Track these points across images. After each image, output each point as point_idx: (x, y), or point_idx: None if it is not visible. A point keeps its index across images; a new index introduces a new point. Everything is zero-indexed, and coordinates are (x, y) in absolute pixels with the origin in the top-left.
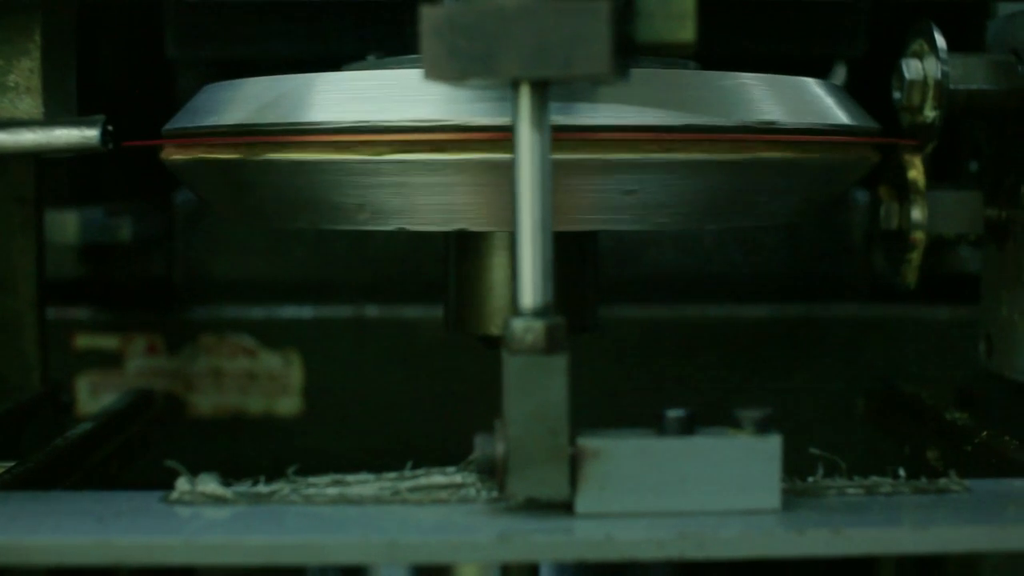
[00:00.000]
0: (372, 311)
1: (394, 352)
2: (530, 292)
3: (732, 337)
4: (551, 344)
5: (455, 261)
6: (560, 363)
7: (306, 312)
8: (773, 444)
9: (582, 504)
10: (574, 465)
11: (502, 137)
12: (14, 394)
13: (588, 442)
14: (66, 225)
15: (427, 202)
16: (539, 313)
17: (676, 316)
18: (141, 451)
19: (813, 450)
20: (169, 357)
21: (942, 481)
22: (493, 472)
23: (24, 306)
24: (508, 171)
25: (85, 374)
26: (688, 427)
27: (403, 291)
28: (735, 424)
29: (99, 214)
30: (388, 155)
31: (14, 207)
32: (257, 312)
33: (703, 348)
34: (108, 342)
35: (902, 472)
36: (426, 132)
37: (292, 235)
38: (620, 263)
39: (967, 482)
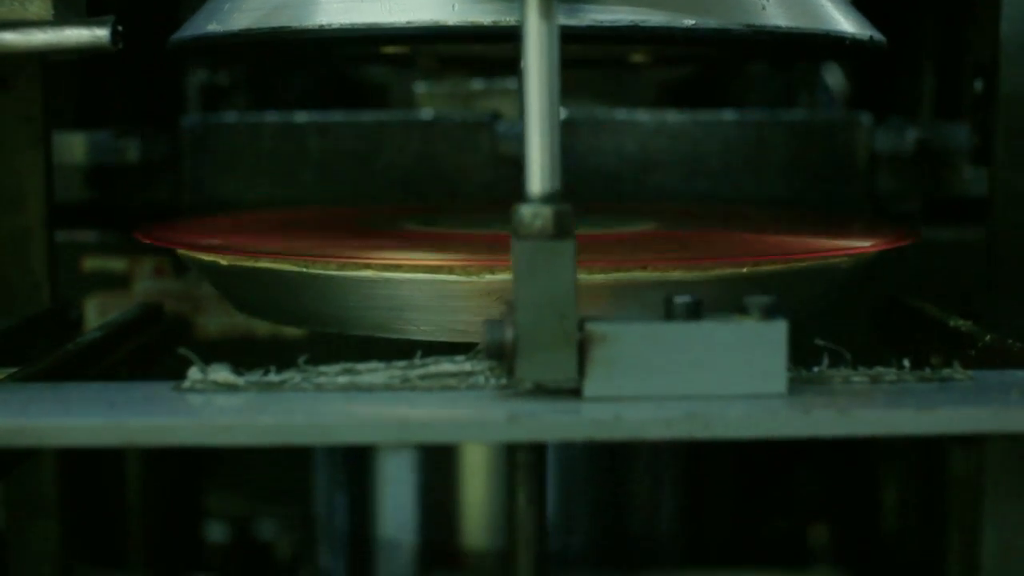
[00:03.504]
0: None
1: None
2: (538, 178)
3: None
4: (559, 229)
5: None
6: (568, 248)
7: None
8: (779, 329)
9: (590, 388)
10: (582, 350)
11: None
12: (23, 310)
13: (596, 327)
14: (73, 147)
15: None
16: (547, 199)
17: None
18: (149, 362)
19: (818, 341)
20: (176, 279)
21: (946, 371)
22: (502, 357)
23: (33, 223)
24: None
25: (93, 296)
26: (695, 312)
27: (410, 211)
28: (742, 310)
29: (106, 136)
30: None
31: (22, 125)
32: None
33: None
34: (116, 264)
35: (907, 363)
36: None
37: (299, 158)
38: (626, 187)
39: (971, 372)
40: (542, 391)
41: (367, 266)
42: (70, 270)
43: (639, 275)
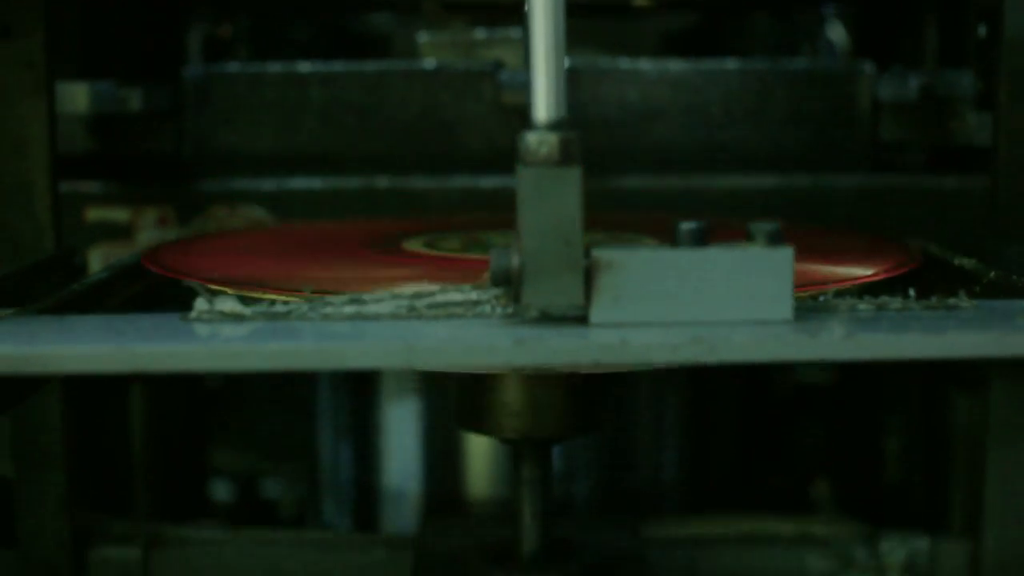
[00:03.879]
0: (382, 182)
1: None
2: (544, 106)
3: (739, 207)
4: (565, 156)
5: None
6: (574, 175)
7: (316, 183)
8: (785, 256)
9: (596, 315)
10: (588, 277)
11: None
12: (28, 258)
13: (603, 253)
14: (76, 96)
15: None
16: (553, 126)
17: (683, 186)
18: (154, 303)
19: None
20: (180, 228)
21: (951, 300)
22: (508, 284)
23: (36, 170)
24: None
25: (97, 246)
26: (701, 239)
27: (413, 162)
28: (748, 237)
29: (109, 86)
30: None
31: (24, 72)
32: (267, 184)
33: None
34: (119, 215)
35: (912, 292)
36: None
37: (301, 108)
38: (629, 134)
39: (976, 302)
40: (548, 319)
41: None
42: (73, 221)
43: None
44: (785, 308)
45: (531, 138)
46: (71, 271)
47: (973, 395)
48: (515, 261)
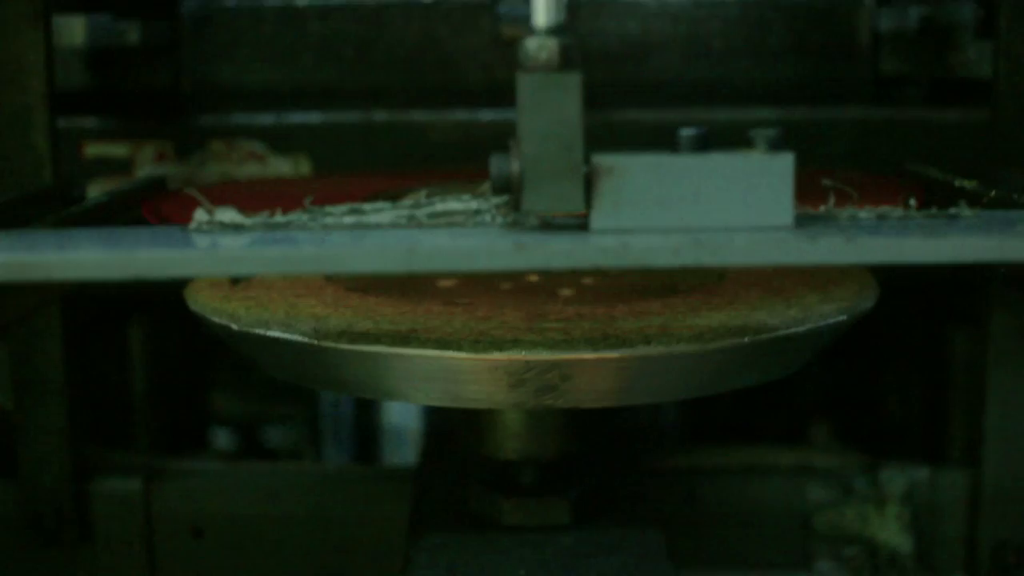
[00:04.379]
0: (380, 115)
1: (402, 156)
2: (544, 11)
3: (739, 140)
4: (565, 61)
5: None
6: (574, 80)
7: (314, 117)
8: (786, 162)
9: (596, 221)
10: (588, 183)
11: None
12: (27, 188)
13: (603, 159)
14: (73, 29)
15: None
16: (553, 31)
17: (684, 119)
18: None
19: (826, 181)
20: (179, 164)
21: (952, 210)
22: (508, 191)
23: (35, 101)
24: None
25: (96, 181)
26: (702, 145)
27: (411, 96)
28: (749, 143)
29: (106, 19)
30: None
31: (22, 3)
32: (265, 118)
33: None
34: (118, 150)
35: (912, 202)
36: None
37: (299, 41)
38: (629, 67)
39: (977, 211)
40: (548, 227)
41: (377, 340)
42: (72, 156)
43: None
44: (786, 214)
45: (531, 44)
46: (69, 201)
47: (971, 330)
48: (515, 167)
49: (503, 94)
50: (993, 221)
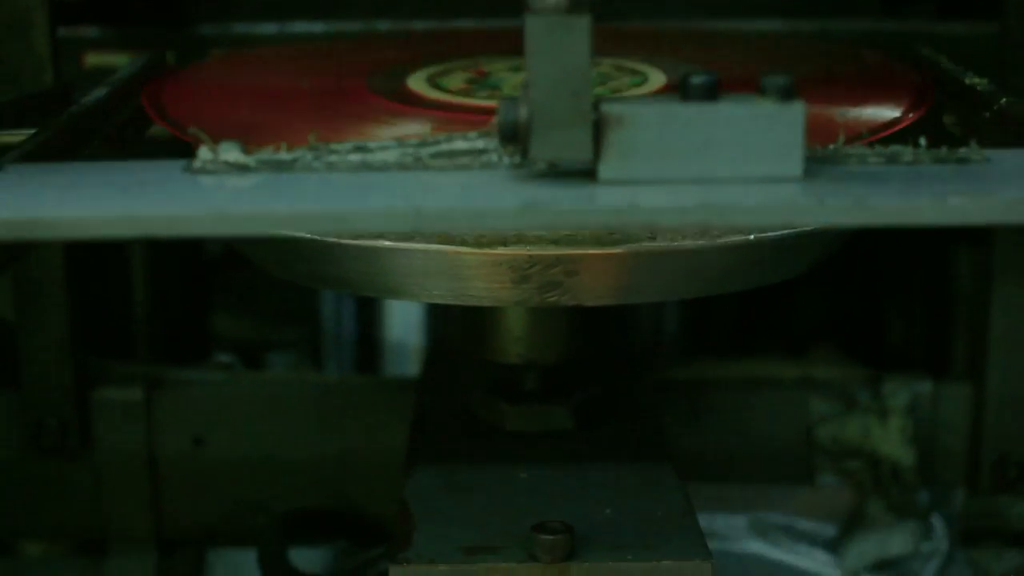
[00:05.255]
0: (383, 24)
1: None
2: None
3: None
4: (574, 3)
5: None
6: (583, 23)
7: (317, 27)
8: (796, 111)
9: (605, 171)
10: (597, 132)
11: None
12: (28, 89)
13: (611, 108)
14: None
15: None
16: None
17: (688, 30)
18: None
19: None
20: None
21: (962, 151)
22: (516, 137)
23: (34, 3)
24: None
25: None
26: (711, 94)
27: (413, 5)
28: (760, 90)
29: None
30: None
31: None
32: (268, 28)
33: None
34: (118, 60)
35: (923, 141)
36: None
37: None
38: None
39: (987, 152)
40: (556, 172)
41: (380, 236)
42: (72, 67)
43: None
44: (795, 164)
45: None
46: (69, 104)
47: (977, 242)
48: (523, 113)
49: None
50: (1004, 173)
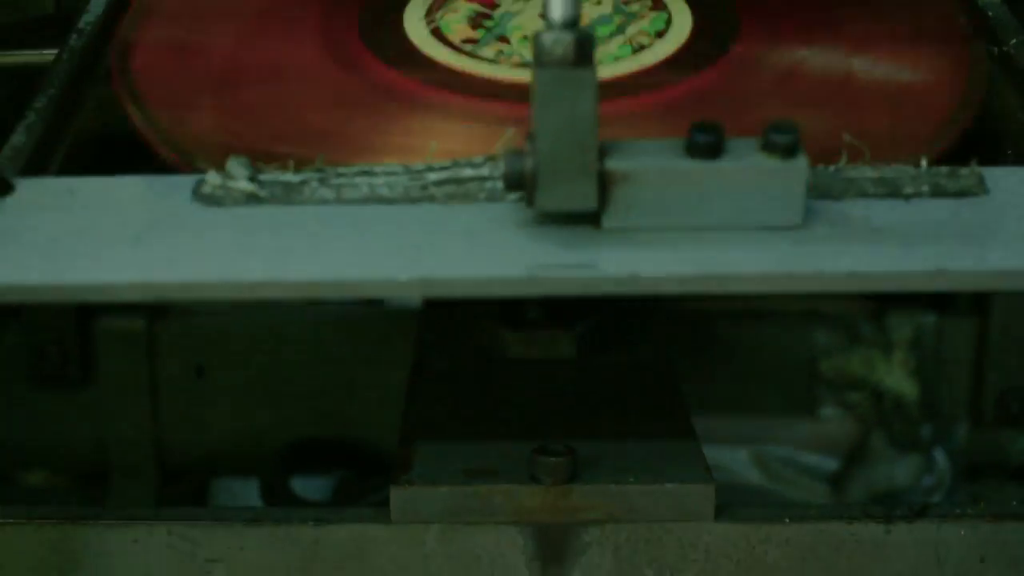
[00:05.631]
0: None
1: None
2: (559, 4)
3: None
4: (580, 56)
5: None
6: (590, 76)
7: None
8: (800, 167)
9: (608, 220)
10: (602, 186)
11: None
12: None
13: (616, 165)
14: None
15: None
16: (568, 25)
17: None
18: None
19: (846, 136)
20: None
21: (962, 179)
22: (522, 188)
23: None
24: None
25: None
26: (715, 152)
27: None
28: (764, 145)
29: None
30: None
31: None
32: None
33: None
34: None
35: (924, 162)
36: None
37: None
38: None
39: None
40: (560, 218)
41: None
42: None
43: None
44: (795, 214)
45: (546, 38)
46: (68, 29)
47: None
48: (528, 164)
49: None
50: (1003, 209)
